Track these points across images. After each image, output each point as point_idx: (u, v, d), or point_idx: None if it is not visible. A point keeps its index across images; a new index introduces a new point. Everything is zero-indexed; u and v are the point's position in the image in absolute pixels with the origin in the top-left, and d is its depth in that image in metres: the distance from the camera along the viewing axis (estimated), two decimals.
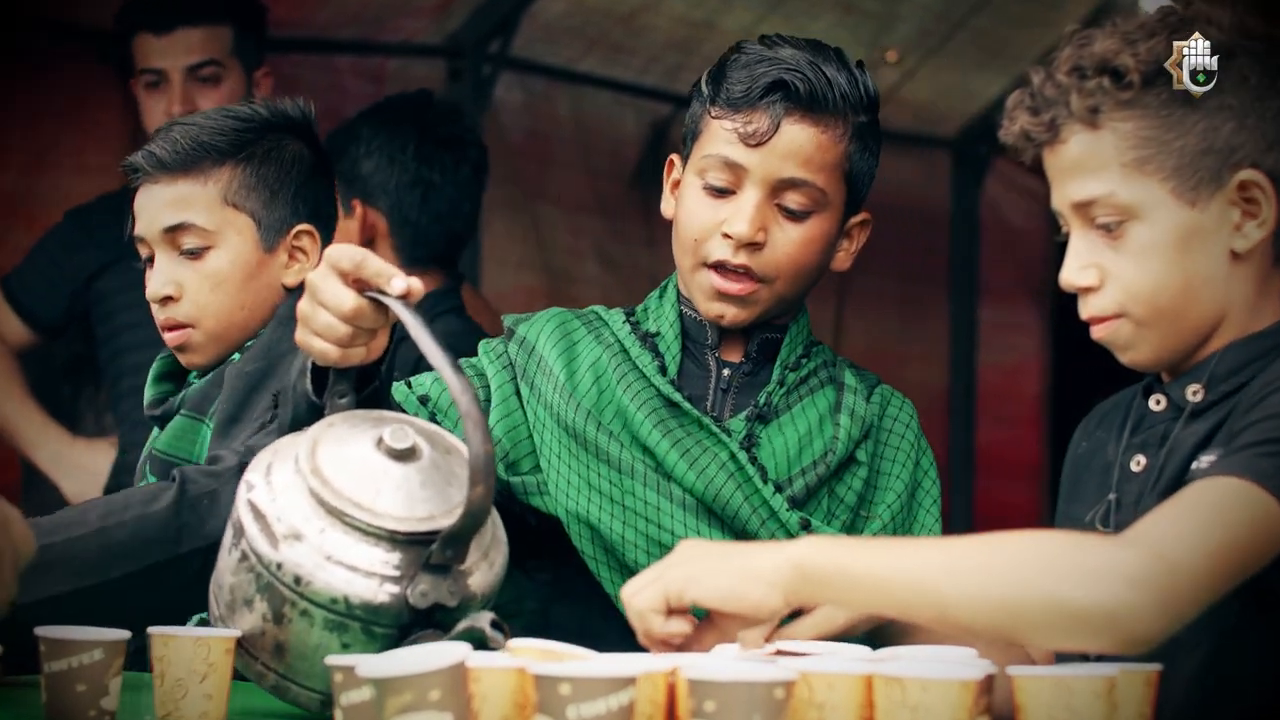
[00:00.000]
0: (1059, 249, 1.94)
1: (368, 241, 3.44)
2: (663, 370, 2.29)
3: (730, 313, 2.27)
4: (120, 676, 1.91)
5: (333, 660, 1.74)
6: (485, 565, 1.89)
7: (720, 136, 2.24)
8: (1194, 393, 1.89)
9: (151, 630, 1.90)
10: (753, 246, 2.23)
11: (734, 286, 2.24)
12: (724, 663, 1.71)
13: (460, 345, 3.12)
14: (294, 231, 2.55)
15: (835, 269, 2.35)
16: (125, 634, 1.91)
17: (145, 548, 2.18)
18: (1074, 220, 1.90)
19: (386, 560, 1.82)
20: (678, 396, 2.26)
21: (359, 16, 4.18)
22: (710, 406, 2.30)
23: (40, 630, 1.87)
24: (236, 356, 2.51)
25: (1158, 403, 1.94)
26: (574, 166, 4.87)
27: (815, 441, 2.27)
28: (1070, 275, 1.90)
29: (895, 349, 5.49)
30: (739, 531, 2.22)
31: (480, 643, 1.78)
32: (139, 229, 2.53)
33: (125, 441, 3.71)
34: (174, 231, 2.50)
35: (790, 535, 2.20)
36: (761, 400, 2.28)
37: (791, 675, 1.61)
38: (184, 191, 2.49)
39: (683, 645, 1.80)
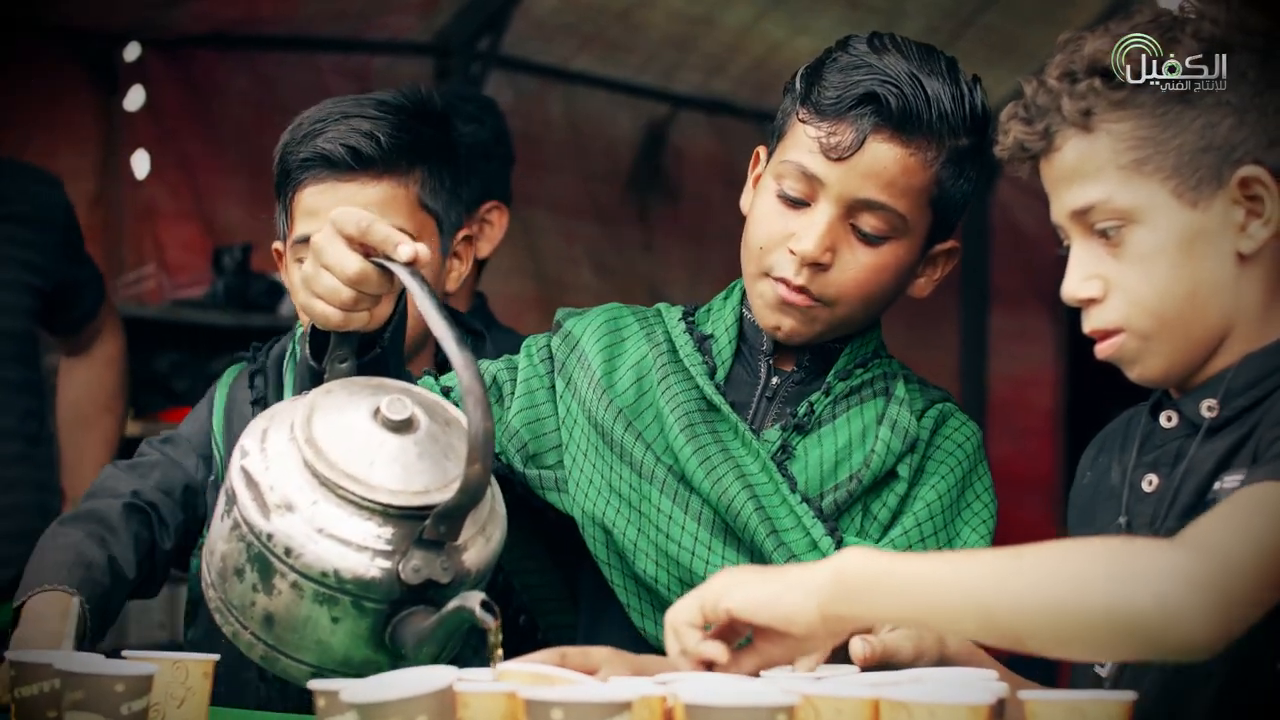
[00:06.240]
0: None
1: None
2: (711, 373, 2.22)
3: (788, 325, 2.17)
4: None
5: (316, 684, 1.70)
6: (481, 540, 1.86)
7: (803, 143, 2.14)
8: (1209, 408, 1.84)
9: (127, 654, 1.88)
10: (817, 267, 2.13)
11: (796, 297, 2.14)
12: (723, 686, 1.67)
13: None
14: (459, 236, 2.48)
15: (913, 295, 2.26)
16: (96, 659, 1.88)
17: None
18: (1074, 230, 1.85)
19: (379, 534, 1.80)
20: (719, 399, 2.18)
21: (344, 13, 4.15)
22: (752, 414, 2.21)
23: (10, 655, 1.85)
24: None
25: (1169, 419, 1.88)
26: (567, 169, 4.84)
27: (855, 454, 2.16)
28: (1072, 288, 1.85)
29: (902, 357, 5.43)
30: (753, 550, 2.13)
31: (469, 623, 1.76)
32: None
33: None
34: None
35: (810, 553, 2.11)
36: (802, 410, 2.19)
37: (794, 699, 1.57)
38: (384, 194, 2.35)
39: (721, 671, 1.75)
